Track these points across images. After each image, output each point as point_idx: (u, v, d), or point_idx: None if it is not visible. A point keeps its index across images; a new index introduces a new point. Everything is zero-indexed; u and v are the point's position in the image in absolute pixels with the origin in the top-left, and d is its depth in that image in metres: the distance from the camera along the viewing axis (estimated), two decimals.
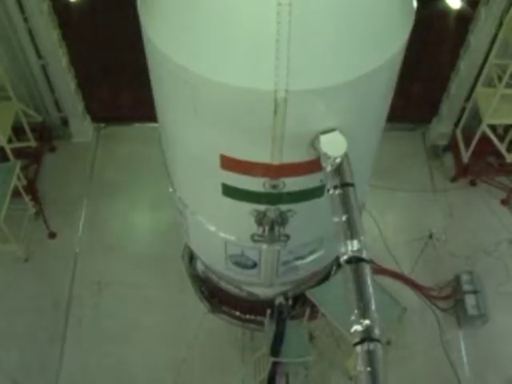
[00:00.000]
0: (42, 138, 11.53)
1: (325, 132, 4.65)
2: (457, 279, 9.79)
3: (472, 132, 10.86)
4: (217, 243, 6.82)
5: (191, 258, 9.64)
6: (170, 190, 6.94)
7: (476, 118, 10.94)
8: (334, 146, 4.60)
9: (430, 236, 10.56)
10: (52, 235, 10.59)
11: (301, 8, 3.91)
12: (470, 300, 9.45)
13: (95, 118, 12.10)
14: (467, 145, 11.01)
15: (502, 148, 10.76)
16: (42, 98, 11.27)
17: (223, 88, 4.36)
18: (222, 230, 6.51)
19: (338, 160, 4.58)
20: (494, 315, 9.58)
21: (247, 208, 5.76)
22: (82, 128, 11.86)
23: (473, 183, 11.48)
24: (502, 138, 10.92)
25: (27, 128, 10.89)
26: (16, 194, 9.92)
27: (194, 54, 4.39)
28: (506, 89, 9.81)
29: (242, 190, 5.47)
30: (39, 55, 10.43)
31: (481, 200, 11.24)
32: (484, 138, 10.62)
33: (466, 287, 9.58)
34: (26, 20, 9.76)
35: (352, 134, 4.72)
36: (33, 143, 11.17)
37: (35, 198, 10.81)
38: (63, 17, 10.15)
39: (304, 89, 4.26)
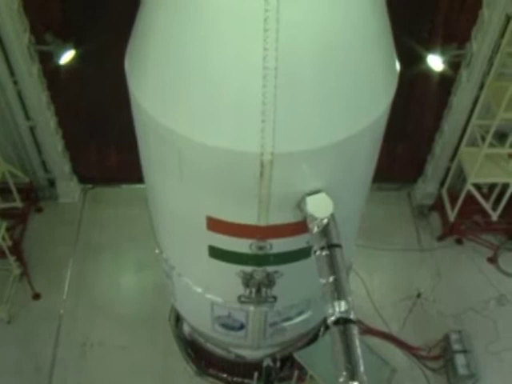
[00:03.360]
0: (28, 198, 11.49)
1: (311, 193, 4.67)
2: (446, 339, 9.70)
3: (457, 191, 10.96)
4: (203, 305, 6.75)
5: (178, 319, 9.51)
6: (157, 251, 6.91)
7: (461, 177, 11.06)
8: (320, 207, 4.62)
9: (418, 295, 10.52)
10: (36, 296, 10.44)
11: (286, 72, 3.97)
12: (459, 359, 9.34)
13: (82, 179, 12.12)
14: (453, 204, 11.08)
15: (487, 206, 10.83)
16: (30, 158, 11.29)
17: (209, 150, 4.39)
18: (208, 291, 6.45)
19: (325, 221, 4.59)
20: (485, 375, 9.47)
21: (234, 269, 5.72)
22: (69, 189, 11.86)
23: (459, 242, 11.52)
24: (487, 197, 11.00)
25: (14, 189, 10.85)
26: (1, 254, 9.82)
27: (180, 117, 4.43)
28: (489, 148, 9.95)
29: (228, 251, 5.44)
30: (27, 117, 10.49)
31: (468, 258, 11.26)
32: (469, 197, 10.70)
33: (456, 347, 9.49)
34: (15, 83, 9.86)
35: (338, 194, 4.74)
36: (19, 204, 11.11)
37: (20, 259, 10.69)
38: (52, 79, 10.26)
39: (290, 151, 4.30)
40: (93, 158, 11.91)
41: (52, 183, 11.83)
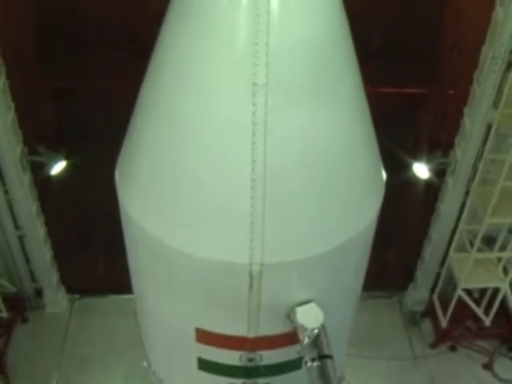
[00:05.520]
0: (14, 308, 11.29)
1: (301, 304, 4.64)
2: None
3: (448, 297, 10.89)
4: None
5: None
6: (145, 364, 6.75)
7: (451, 282, 11.03)
8: (310, 317, 4.57)
9: None
10: None
11: (274, 184, 4.04)
12: None
13: (70, 289, 11.99)
14: (444, 310, 10.99)
15: (479, 312, 10.76)
16: (17, 268, 11.20)
17: (198, 261, 4.38)
18: None
19: (315, 332, 4.53)
20: None
21: (224, 382, 5.58)
22: (56, 299, 11.71)
23: (453, 349, 11.34)
24: (478, 302, 10.93)
25: None
26: None
27: (170, 227, 4.45)
28: (478, 253, 9.99)
29: (218, 363, 5.33)
30: (17, 226, 10.49)
31: (463, 365, 11.05)
32: (461, 303, 10.64)
33: None
34: (6, 192, 9.93)
35: (328, 304, 4.71)
36: (4, 314, 10.89)
37: (3, 372, 10.39)
38: (43, 189, 10.36)
39: (279, 261, 4.30)
40: (81, 267, 11.85)
41: (39, 293, 11.69)
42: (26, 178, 9.88)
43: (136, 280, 5.70)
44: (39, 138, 9.86)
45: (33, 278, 11.47)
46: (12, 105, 9.16)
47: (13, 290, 11.24)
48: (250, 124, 3.90)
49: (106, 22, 9.11)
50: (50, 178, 9.98)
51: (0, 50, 8.68)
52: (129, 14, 8.89)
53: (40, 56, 9.50)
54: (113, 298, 11.94)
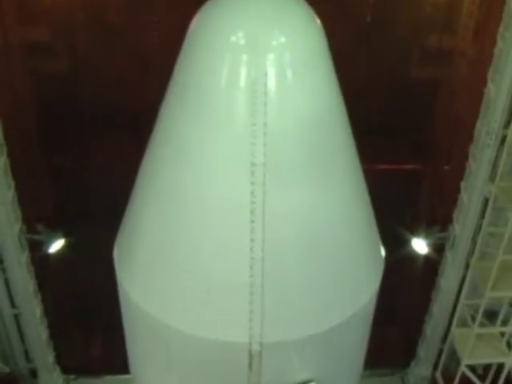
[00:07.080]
0: None
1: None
2: None
3: (452, 373, 10.66)
4: None
5: None
6: None
7: (454, 358, 10.81)
8: None
9: None
10: None
11: (273, 262, 4.03)
12: None
13: (66, 369, 11.73)
14: None
15: None
16: (12, 347, 10.98)
17: (197, 341, 4.33)
18: None
19: None
20: None
21: None
22: (52, 379, 11.43)
23: None
24: (483, 378, 10.69)
25: None
26: None
27: (169, 308, 4.42)
28: (480, 328, 9.83)
29: None
30: (13, 304, 10.36)
31: None
32: (465, 379, 10.40)
33: None
34: (3, 270, 9.86)
35: (329, 383, 4.63)
36: None
37: None
38: (40, 267, 10.30)
39: (279, 340, 4.25)
40: (77, 347, 11.64)
41: (34, 373, 11.41)
42: (24, 256, 9.83)
43: (134, 359, 5.61)
44: (38, 216, 9.87)
45: (28, 358, 11.23)
46: (12, 183, 9.21)
47: (6, 370, 11.00)
48: (248, 203, 3.93)
49: (105, 101, 9.27)
50: (48, 256, 9.94)
51: (1, 129, 8.79)
52: (129, 93, 9.06)
53: (40, 134, 9.62)
54: (109, 378, 11.67)
